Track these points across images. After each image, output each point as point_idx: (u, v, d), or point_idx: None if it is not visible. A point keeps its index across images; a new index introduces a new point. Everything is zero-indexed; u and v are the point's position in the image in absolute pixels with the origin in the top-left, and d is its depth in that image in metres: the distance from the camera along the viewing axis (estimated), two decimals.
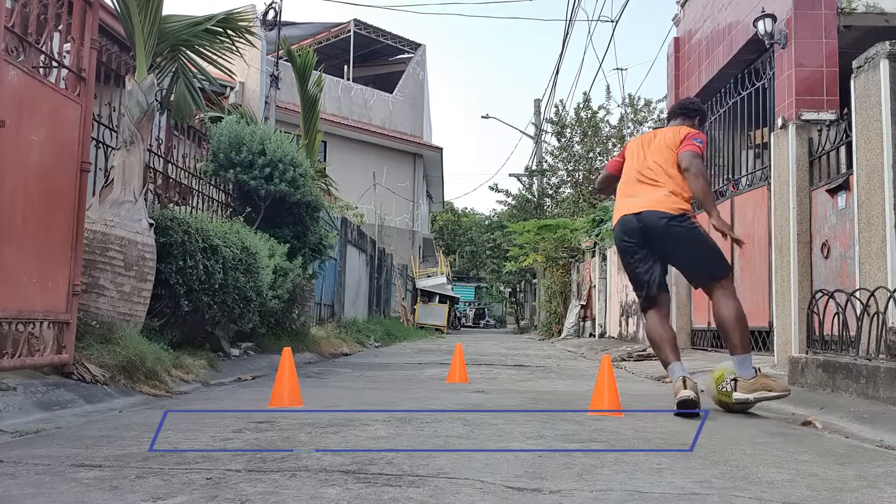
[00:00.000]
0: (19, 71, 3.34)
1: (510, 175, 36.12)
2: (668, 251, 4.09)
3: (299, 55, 9.42)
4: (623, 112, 21.79)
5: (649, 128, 20.69)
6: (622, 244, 4.17)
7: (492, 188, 28.07)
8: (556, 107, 22.81)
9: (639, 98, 21.82)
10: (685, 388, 3.62)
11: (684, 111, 4.49)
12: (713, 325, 8.98)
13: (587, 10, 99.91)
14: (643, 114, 21.41)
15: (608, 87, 32.02)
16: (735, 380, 3.83)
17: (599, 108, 22.23)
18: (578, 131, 22.23)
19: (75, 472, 2.09)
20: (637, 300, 4.35)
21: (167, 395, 4.16)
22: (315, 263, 9.21)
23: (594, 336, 16.10)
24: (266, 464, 2.25)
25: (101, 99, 5.22)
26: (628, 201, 4.18)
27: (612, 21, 22.83)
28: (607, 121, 22.06)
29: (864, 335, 4.35)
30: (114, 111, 5.41)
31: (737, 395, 3.79)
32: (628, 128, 21.52)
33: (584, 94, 25.90)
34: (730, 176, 9.12)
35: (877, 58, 4.92)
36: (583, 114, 22.21)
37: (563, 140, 22.75)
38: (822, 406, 3.92)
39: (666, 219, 3.98)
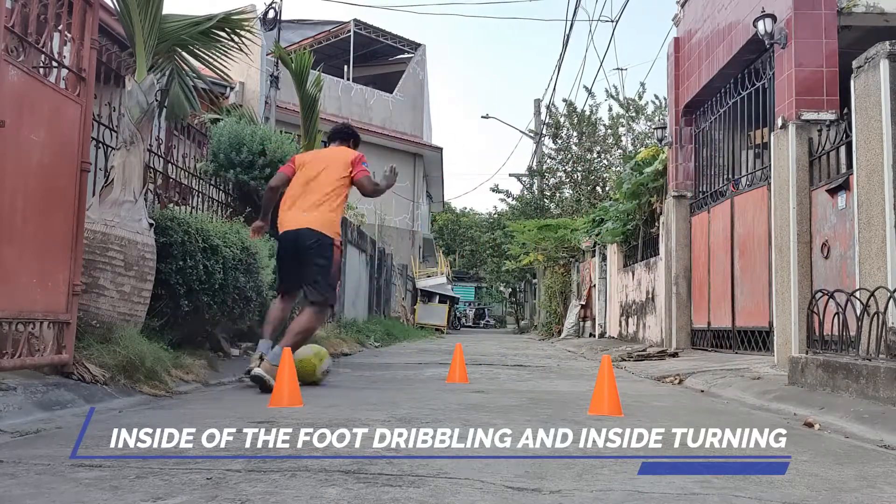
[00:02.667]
0: (19, 71, 3.33)
1: (510, 175, 35.99)
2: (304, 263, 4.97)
3: (296, 54, 9.38)
4: (610, 108, 21.66)
5: (645, 125, 20.58)
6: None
7: (493, 189, 27.93)
8: (548, 107, 22.74)
9: (621, 93, 21.55)
10: (258, 367, 4.55)
11: (340, 135, 5.37)
12: (713, 326, 9.09)
13: (587, 9, 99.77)
14: (632, 112, 21.20)
15: (589, 90, 31.54)
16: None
17: (583, 111, 22.10)
18: (575, 132, 22.15)
19: (75, 472, 2.09)
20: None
21: (167, 395, 4.16)
22: None
23: (594, 336, 16.10)
24: (266, 464, 2.25)
25: (101, 99, 5.22)
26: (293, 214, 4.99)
27: (612, 21, 22.88)
28: (601, 118, 21.96)
29: (864, 335, 4.36)
30: (114, 111, 5.41)
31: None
32: (622, 126, 21.39)
33: (566, 100, 25.69)
34: (730, 176, 9.11)
35: (877, 58, 4.92)
36: (564, 118, 22.13)
37: (559, 141, 22.70)
38: (822, 406, 3.92)
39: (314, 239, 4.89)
